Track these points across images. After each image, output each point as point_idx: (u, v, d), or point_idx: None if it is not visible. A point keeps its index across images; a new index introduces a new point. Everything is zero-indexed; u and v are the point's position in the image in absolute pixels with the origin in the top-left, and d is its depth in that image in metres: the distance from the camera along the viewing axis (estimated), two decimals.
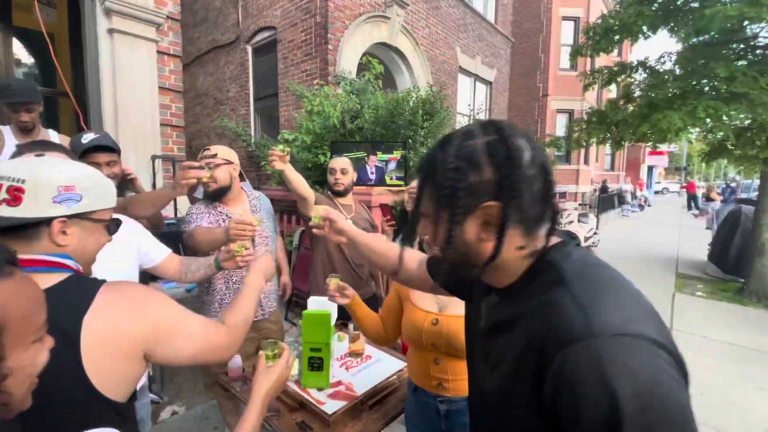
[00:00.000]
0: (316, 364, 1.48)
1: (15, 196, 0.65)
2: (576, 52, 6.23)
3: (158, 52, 3.31)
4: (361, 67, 5.20)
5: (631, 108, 6.25)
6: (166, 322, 0.75)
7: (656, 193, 29.79)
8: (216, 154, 1.69)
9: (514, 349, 0.55)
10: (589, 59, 8.89)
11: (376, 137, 3.64)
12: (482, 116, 8.75)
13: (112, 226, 0.81)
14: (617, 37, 5.70)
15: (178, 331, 0.76)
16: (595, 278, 0.51)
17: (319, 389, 1.47)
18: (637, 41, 5.69)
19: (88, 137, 1.41)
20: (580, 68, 12.06)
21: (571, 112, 12.94)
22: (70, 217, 0.71)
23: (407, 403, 1.34)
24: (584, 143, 7.15)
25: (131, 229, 1.42)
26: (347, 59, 5.15)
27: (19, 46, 4.58)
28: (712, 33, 4.46)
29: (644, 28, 5.34)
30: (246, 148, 5.80)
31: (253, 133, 6.35)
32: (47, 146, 1.15)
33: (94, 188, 0.75)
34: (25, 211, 0.66)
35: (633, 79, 6.58)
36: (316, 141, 3.61)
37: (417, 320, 1.17)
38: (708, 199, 14.09)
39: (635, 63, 6.23)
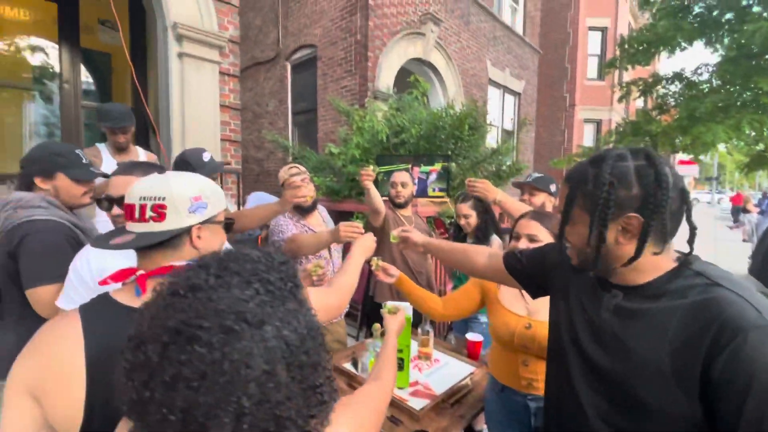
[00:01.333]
0: (399, 364, 1.62)
1: (160, 213, 0.73)
2: (610, 64, 6.28)
3: (220, 72, 3.58)
4: (399, 82, 5.40)
5: (666, 119, 6.22)
6: None
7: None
8: (305, 171, 1.88)
9: (656, 333, 0.68)
10: (617, 71, 8.88)
11: (420, 150, 3.80)
12: (510, 126, 8.83)
13: (228, 225, 0.90)
14: (653, 49, 5.74)
15: None
16: (736, 282, 0.65)
17: (400, 388, 1.60)
18: (674, 53, 5.71)
19: (207, 156, 1.59)
20: (607, 79, 12.01)
21: (598, 122, 12.82)
22: (202, 222, 0.79)
23: (489, 403, 1.43)
24: None
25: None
26: (385, 75, 5.36)
27: (84, 65, 4.99)
28: (753, 47, 4.46)
29: (681, 40, 5.37)
30: (290, 160, 6.07)
31: (291, 145, 6.64)
32: (150, 168, 1.30)
33: (213, 194, 0.82)
34: (170, 224, 0.74)
35: (668, 90, 6.56)
36: (363, 154, 3.80)
37: (509, 323, 1.28)
38: (744, 210, 13.59)
39: (671, 74, 6.23)
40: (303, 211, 1.97)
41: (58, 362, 0.64)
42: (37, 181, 1.35)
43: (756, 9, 4.76)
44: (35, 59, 5.01)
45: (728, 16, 5.18)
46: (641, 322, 0.71)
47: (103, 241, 0.74)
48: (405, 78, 5.85)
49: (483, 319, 2.22)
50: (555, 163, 7.51)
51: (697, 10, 5.56)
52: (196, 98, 3.43)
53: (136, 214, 0.73)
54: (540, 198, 2.09)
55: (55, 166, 1.36)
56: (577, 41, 12.23)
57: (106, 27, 5.23)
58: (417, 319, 1.90)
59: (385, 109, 4.18)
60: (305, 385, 0.45)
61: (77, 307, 0.70)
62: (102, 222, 2.37)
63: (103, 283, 0.74)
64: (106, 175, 1.96)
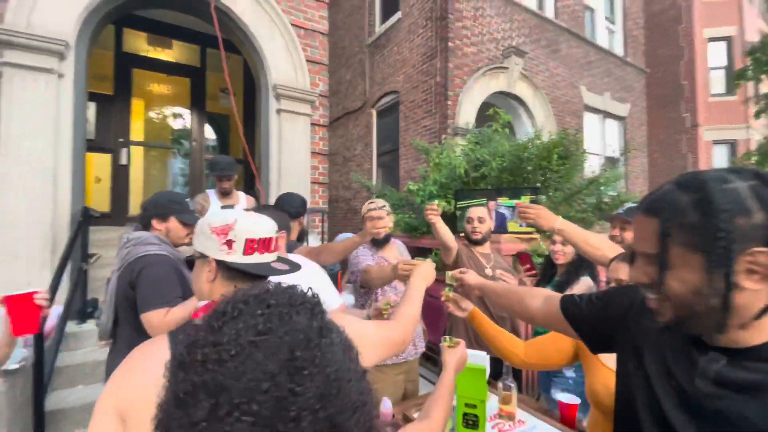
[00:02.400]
0: (471, 421, 1.43)
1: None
2: (738, 76, 5.34)
3: (311, 123, 3.97)
4: (480, 117, 5.33)
5: None
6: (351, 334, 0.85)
7: None
8: (385, 206, 1.93)
9: None
10: (752, 84, 7.46)
11: (503, 183, 3.60)
12: (616, 154, 7.94)
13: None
14: None
15: (360, 341, 0.84)
16: None
17: None
18: None
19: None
20: (740, 93, 10.17)
21: (732, 143, 10.79)
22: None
23: None
24: None
25: (310, 271, 1.66)
26: (466, 111, 5.35)
27: (210, 125, 6.03)
28: None
29: None
30: (373, 197, 6.32)
31: (374, 184, 6.95)
32: (269, 210, 1.47)
33: (234, 231, 0.89)
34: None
35: None
36: (440, 190, 3.75)
37: (611, 385, 1.05)
38: None
39: None
40: (379, 243, 2.02)
41: (146, 385, 0.64)
42: (154, 222, 1.62)
43: None
44: (175, 124, 6.22)
45: None
46: (760, 395, 0.52)
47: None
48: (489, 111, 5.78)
49: (570, 374, 1.89)
50: None
51: None
52: (291, 147, 3.83)
53: (272, 246, 0.87)
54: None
55: (169, 211, 1.63)
56: (695, 55, 10.74)
57: (225, 93, 6.29)
58: (498, 371, 1.69)
59: (464, 144, 4.11)
60: (363, 371, 0.48)
61: (167, 333, 0.74)
62: None
63: (195, 316, 0.81)
64: None
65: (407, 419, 1.60)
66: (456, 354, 1.12)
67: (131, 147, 4.92)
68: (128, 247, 1.54)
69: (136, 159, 5.23)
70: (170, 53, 5.38)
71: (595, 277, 2.01)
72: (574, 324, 0.87)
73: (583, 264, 2.02)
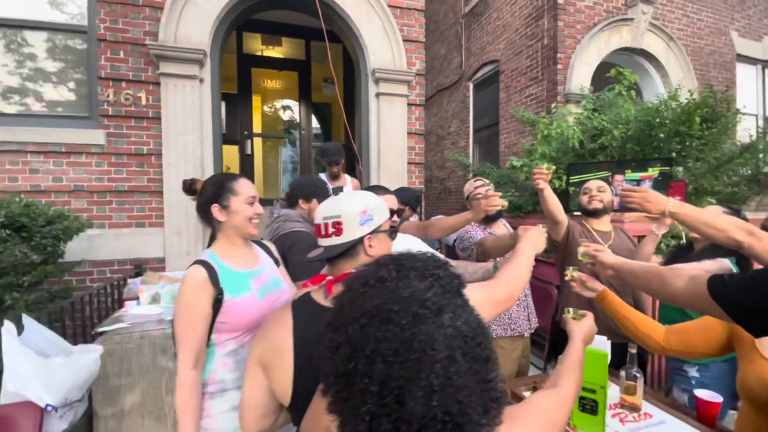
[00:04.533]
0: (589, 405, 1.35)
1: (338, 228, 0.87)
2: None
3: (408, 104, 4.01)
4: (598, 81, 4.72)
5: None
6: None
7: None
8: (491, 184, 1.91)
9: None
10: None
11: (627, 154, 3.16)
12: None
13: (393, 233, 1.00)
14: None
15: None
16: None
17: None
18: None
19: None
20: None
21: None
22: (371, 233, 0.89)
23: None
24: None
25: (406, 241, 1.75)
26: (580, 75, 4.77)
27: (314, 115, 6.52)
28: None
29: None
30: (470, 176, 6.16)
31: (471, 162, 6.72)
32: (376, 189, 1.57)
33: (377, 208, 0.92)
34: (347, 236, 0.87)
35: None
36: (550, 164, 3.46)
37: None
38: None
39: None
40: (488, 219, 2.02)
41: (277, 342, 0.82)
42: (300, 202, 1.87)
43: None
44: (286, 115, 6.88)
45: None
46: None
47: (304, 254, 0.94)
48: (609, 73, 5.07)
49: (693, 373, 1.65)
50: None
51: None
52: (389, 130, 3.94)
53: (323, 231, 0.89)
54: None
55: (313, 193, 1.87)
56: None
57: (328, 83, 6.69)
58: (619, 360, 1.56)
59: (578, 112, 3.70)
60: (480, 377, 0.48)
61: (291, 302, 0.89)
62: None
63: (305, 285, 0.92)
64: None
65: (516, 397, 1.59)
66: (584, 326, 1.08)
67: (253, 138, 5.62)
68: (278, 222, 1.82)
69: (256, 149, 5.96)
70: (280, 50, 5.91)
71: (743, 260, 1.68)
72: (725, 307, 0.79)
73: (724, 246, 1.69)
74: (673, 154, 3.06)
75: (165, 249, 3.29)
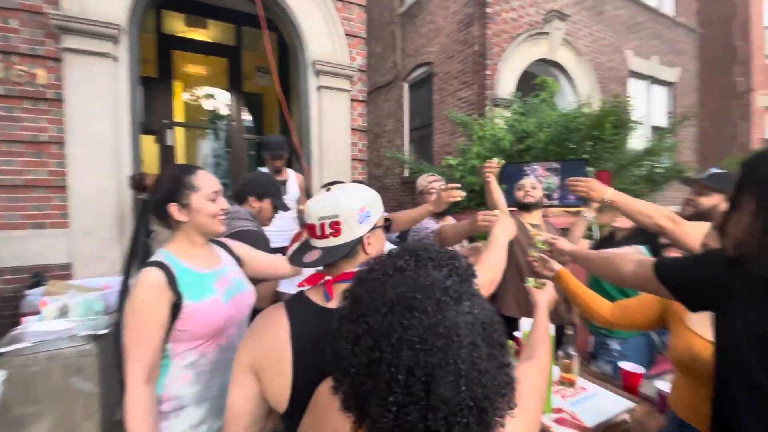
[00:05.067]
0: None
1: (336, 229, 0.81)
2: None
3: (351, 99, 3.96)
4: (522, 87, 5.14)
5: None
6: None
7: None
8: (441, 179, 1.98)
9: None
10: None
11: (549, 155, 3.50)
12: (662, 122, 7.49)
13: (387, 227, 0.98)
14: None
15: None
16: None
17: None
18: None
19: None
20: None
21: None
22: (371, 230, 0.85)
23: None
24: None
25: None
26: (506, 81, 5.16)
27: (245, 105, 6.12)
28: None
29: None
30: (407, 174, 6.32)
31: (408, 160, 6.91)
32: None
33: (373, 202, 0.87)
34: (346, 237, 0.81)
35: None
36: (483, 163, 3.69)
37: (694, 348, 1.06)
38: None
39: None
40: (440, 214, 2.12)
41: (273, 345, 0.75)
42: (251, 199, 1.72)
43: None
44: (213, 104, 6.37)
45: None
46: None
47: (297, 259, 0.84)
48: (529, 82, 5.53)
49: (615, 346, 1.91)
50: (728, 163, 6.05)
51: None
52: (331, 125, 3.86)
53: (317, 232, 0.82)
54: (712, 200, 1.66)
55: (268, 192, 1.74)
56: (750, 13, 9.78)
57: (261, 72, 6.33)
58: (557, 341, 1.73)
59: (508, 116, 4.00)
60: (498, 362, 0.49)
61: (283, 302, 0.83)
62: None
63: (301, 285, 0.86)
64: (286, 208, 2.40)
65: None
66: (547, 293, 1.18)
67: (174, 128, 5.09)
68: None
69: (177, 140, 5.41)
70: (206, 33, 5.43)
71: (656, 246, 1.96)
72: (669, 286, 0.91)
73: (643, 233, 1.98)
74: (585, 156, 3.46)
75: (71, 254, 2.83)
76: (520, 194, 2.28)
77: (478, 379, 0.45)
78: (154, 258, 1.03)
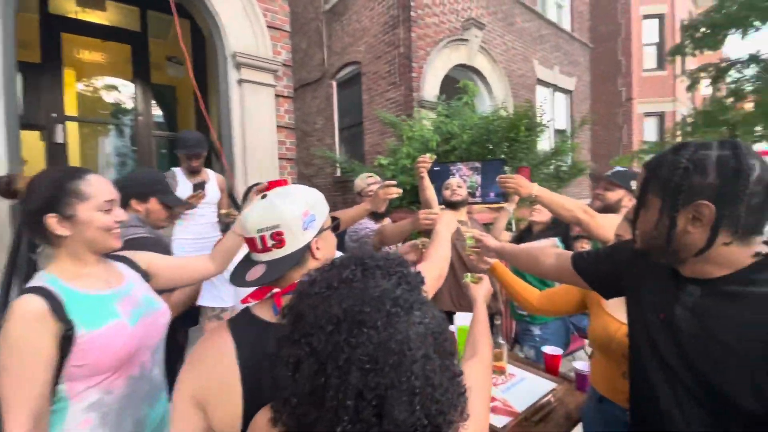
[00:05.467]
0: None
1: (279, 240, 0.74)
2: (674, 52, 5.82)
3: (275, 95, 3.77)
4: (444, 90, 5.37)
5: (742, 107, 5.61)
6: None
7: None
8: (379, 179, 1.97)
9: (743, 325, 0.65)
10: (679, 59, 8.22)
11: (471, 156, 3.71)
12: (563, 126, 8.42)
13: (336, 227, 0.90)
14: (723, 32, 5.24)
15: None
16: None
17: None
18: (747, 35, 5.17)
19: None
20: (668, 69, 11.10)
21: (661, 115, 11.87)
22: (317, 234, 0.79)
23: (586, 413, 1.33)
24: None
25: None
26: (430, 84, 5.35)
27: (154, 98, 5.50)
28: None
29: (755, 21, 4.85)
30: (339, 174, 6.24)
31: (339, 159, 6.83)
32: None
33: (317, 203, 0.81)
34: (291, 246, 0.75)
35: (743, 75, 5.94)
36: (413, 163, 3.78)
37: (610, 329, 1.18)
38: None
39: (746, 57, 5.63)
40: (378, 215, 2.12)
41: (218, 372, 0.67)
42: (133, 202, 1.49)
43: None
44: (115, 96, 5.62)
45: None
46: (723, 317, 0.66)
47: (239, 277, 0.76)
48: (450, 85, 5.81)
49: (537, 331, 2.10)
50: (616, 162, 7.03)
51: None
52: (255, 121, 3.63)
53: (258, 246, 0.75)
54: (616, 194, 1.92)
55: (150, 190, 1.51)
56: (631, 31, 11.49)
57: (173, 62, 5.74)
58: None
59: (434, 117, 4.15)
60: (450, 373, 0.47)
61: (226, 322, 0.74)
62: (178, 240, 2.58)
63: (245, 301, 0.77)
64: (188, 205, 2.16)
65: None
66: (483, 288, 1.24)
67: (66, 123, 4.39)
68: None
69: (70, 137, 4.67)
70: (103, 15, 4.76)
71: (567, 238, 2.18)
72: (586, 277, 1.01)
73: (557, 227, 2.18)
74: (503, 156, 3.74)
75: None
76: (447, 193, 2.37)
77: (432, 394, 0.43)
78: (32, 283, 0.84)
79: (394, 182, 1.70)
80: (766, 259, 0.65)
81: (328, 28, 6.75)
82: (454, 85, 4.93)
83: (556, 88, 8.08)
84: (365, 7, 5.86)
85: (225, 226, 3.15)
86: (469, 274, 1.37)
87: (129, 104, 5.53)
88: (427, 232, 1.96)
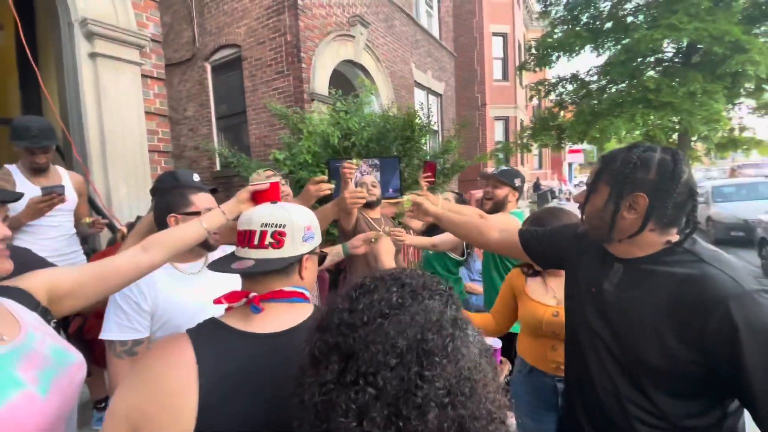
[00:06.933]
0: None
1: (279, 240, 0.73)
2: (522, 67, 6.99)
3: (142, 75, 3.15)
4: (333, 85, 5.33)
5: (567, 114, 7.16)
6: None
7: (575, 186, 33.23)
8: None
9: (653, 299, 0.79)
10: (516, 74, 9.99)
11: (370, 153, 3.79)
12: (435, 127, 9.29)
13: (322, 258, 0.89)
14: (555, 54, 6.56)
15: None
16: (723, 258, 0.79)
17: None
18: (573, 57, 6.60)
19: (197, 177, 1.37)
20: (510, 80, 13.32)
21: (506, 119, 14.17)
22: (310, 252, 0.78)
23: (515, 384, 1.47)
24: (530, 148, 8.01)
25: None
26: (320, 76, 5.25)
27: None
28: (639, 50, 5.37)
29: (577, 46, 6.23)
30: (219, 169, 5.63)
31: (227, 152, 6.14)
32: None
33: (317, 228, 0.81)
34: (287, 251, 0.74)
35: (565, 90, 7.55)
36: (314, 159, 3.67)
37: (537, 312, 1.35)
38: None
39: (569, 76, 7.17)
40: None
41: (167, 394, 0.56)
42: None
43: (631, 19, 5.73)
44: None
45: (608, 25, 6.16)
46: (639, 290, 0.83)
47: (222, 266, 0.74)
48: (338, 80, 5.78)
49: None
50: (478, 159, 8.12)
51: (584, 20, 6.49)
52: (116, 105, 2.98)
53: (256, 240, 0.73)
54: (503, 191, 2.20)
55: None
56: (483, 45, 13.33)
57: None
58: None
59: (327, 112, 4.08)
60: (497, 384, 0.46)
61: (186, 331, 0.64)
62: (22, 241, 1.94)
63: (218, 301, 0.71)
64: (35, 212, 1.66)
65: None
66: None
67: None
68: None
69: None
70: None
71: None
72: (530, 252, 1.15)
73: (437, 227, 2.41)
74: (396, 153, 3.94)
75: None
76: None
77: (499, 414, 0.42)
78: None
79: (324, 177, 1.63)
80: (673, 246, 0.83)
81: (198, 3, 5.95)
82: (341, 80, 4.93)
83: (430, 91, 8.85)
84: None
85: (87, 236, 2.51)
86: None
87: None
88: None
